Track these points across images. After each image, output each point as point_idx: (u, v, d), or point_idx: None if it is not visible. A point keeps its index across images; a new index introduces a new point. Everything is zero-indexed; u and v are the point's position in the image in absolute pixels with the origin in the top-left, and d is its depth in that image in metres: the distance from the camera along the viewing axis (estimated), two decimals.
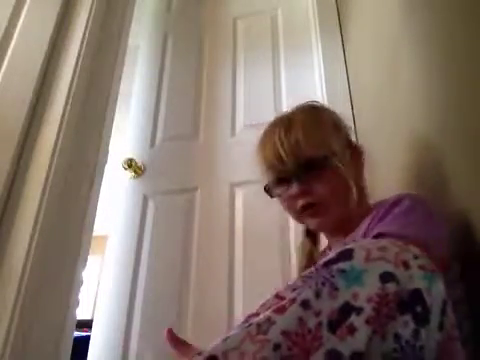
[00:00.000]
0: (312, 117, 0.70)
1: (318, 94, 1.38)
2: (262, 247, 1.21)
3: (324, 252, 0.76)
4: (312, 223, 0.69)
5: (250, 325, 0.34)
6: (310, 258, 0.75)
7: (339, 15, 1.48)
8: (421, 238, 0.44)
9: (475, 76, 0.54)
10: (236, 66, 1.56)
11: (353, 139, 0.73)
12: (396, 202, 0.55)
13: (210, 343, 0.36)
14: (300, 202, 0.66)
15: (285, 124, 0.69)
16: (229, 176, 1.33)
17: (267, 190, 0.71)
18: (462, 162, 0.60)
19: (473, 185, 0.56)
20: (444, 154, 0.66)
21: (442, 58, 0.65)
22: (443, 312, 0.34)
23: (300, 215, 0.69)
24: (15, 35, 1.12)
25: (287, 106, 1.41)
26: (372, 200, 0.71)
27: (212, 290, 1.19)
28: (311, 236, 0.78)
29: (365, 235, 0.58)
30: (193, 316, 1.17)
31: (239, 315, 1.13)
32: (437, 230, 0.52)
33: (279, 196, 0.70)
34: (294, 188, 0.66)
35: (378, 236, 0.49)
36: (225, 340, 0.34)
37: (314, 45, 1.48)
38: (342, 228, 0.67)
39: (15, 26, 1.13)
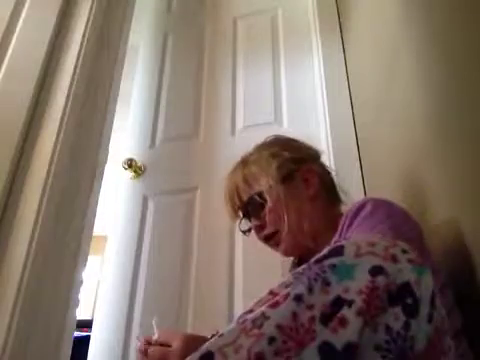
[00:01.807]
0: (252, 158, 0.79)
1: (318, 94, 1.38)
2: (262, 247, 1.20)
3: None
4: (278, 251, 0.75)
5: (245, 321, 0.35)
6: None
7: (339, 15, 1.47)
8: (389, 235, 0.46)
9: (474, 74, 0.54)
10: (236, 66, 1.56)
11: (309, 157, 0.78)
12: (360, 208, 0.57)
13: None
14: (260, 236, 0.75)
15: (233, 170, 0.80)
16: None
17: (240, 228, 0.80)
18: (462, 161, 0.60)
19: (475, 186, 0.56)
20: (444, 151, 0.66)
21: (441, 56, 0.65)
22: (432, 304, 0.35)
23: (268, 246, 0.76)
24: (15, 35, 1.12)
25: (287, 106, 1.42)
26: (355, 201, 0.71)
27: (212, 290, 1.19)
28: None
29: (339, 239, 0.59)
30: (193, 316, 1.17)
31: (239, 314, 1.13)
32: (404, 229, 0.53)
33: (249, 231, 0.79)
34: (252, 223, 0.76)
35: None
36: (220, 336, 0.35)
37: (314, 45, 1.48)
38: (312, 253, 0.68)
39: (15, 26, 1.13)
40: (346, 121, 1.26)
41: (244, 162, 0.79)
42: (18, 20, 1.14)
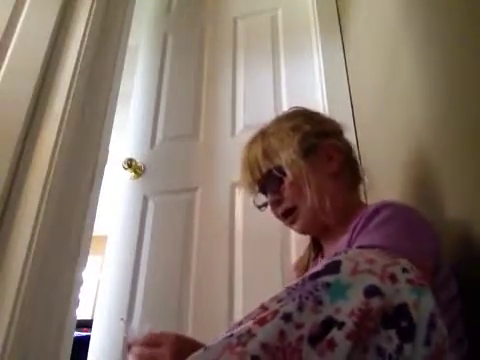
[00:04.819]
0: (272, 130, 0.74)
1: (318, 94, 1.38)
2: (262, 247, 1.21)
3: (316, 257, 0.76)
4: (294, 229, 0.73)
5: (231, 336, 0.34)
6: (308, 261, 0.77)
7: (339, 15, 1.48)
8: (401, 250, 0.43)
9: (474, 73, 0.54)
10: (236, 66, 1.56)
11: (332, 134, 0.73)
12: (377, 210, 0.54)
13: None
14: (277, 211, 0.72)
15: (251, 141, 0.76)
16: (229, 176, 1.33)
17: (254, 203, 0.77)
18: (462, 161, 0.60)
19: (474, 186, 0.56)
20: (443, 152, 0.66)
21: (441, 56, 0.65)
22: (431, 326, 0.33)
23: (283, 222, 0.73)
24: (15, 35, 1.12)
25: (287, 106, 1.42)
26: (373, 197, 0.71)
27: (212, 290, 1.19)
28: (315, 240, 0.78)
29: (350, 241, 0.57)
30: (193, 316, 1.17)
31: (239, 315, 1.13)
32: (420, 240, 0.51)
33: (265, 205, 0.75)
34: (269, 198, 0.73)
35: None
36: (205, 350, 0.34)
37: (314, 45, 1.48)
38: (329, 232, 0.69)
39: (15, 26, 1.13)
40: (346, 121, 1.26)
41: (263, 134, 0.74)
42: (18, 20, 1.14)
